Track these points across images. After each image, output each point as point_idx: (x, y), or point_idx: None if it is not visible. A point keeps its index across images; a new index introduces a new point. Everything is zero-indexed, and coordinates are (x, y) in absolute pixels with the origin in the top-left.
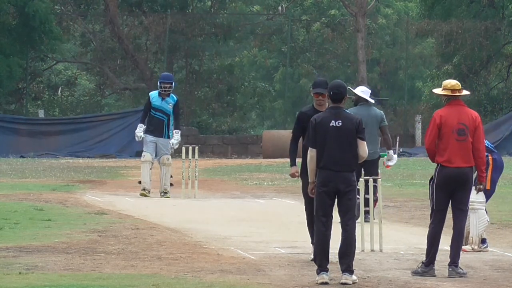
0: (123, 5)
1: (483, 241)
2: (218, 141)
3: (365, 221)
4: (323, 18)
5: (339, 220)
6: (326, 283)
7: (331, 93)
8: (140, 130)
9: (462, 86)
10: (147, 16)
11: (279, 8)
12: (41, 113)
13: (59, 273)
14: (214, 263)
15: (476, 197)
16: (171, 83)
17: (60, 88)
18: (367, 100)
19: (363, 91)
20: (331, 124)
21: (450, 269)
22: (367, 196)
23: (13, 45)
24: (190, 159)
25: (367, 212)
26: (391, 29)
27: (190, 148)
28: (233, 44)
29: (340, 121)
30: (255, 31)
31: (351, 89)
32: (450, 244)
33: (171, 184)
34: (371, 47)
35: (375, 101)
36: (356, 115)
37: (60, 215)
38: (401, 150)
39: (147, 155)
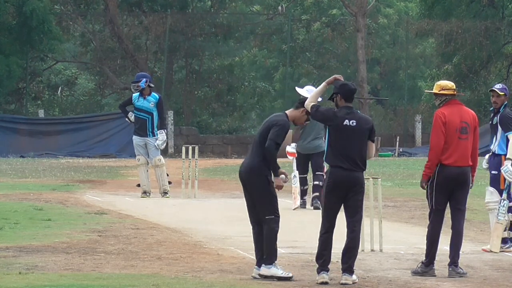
0: (123, 5)
1: (504, 241)
2: (218, 141)
3: (313, 206)
4: (323, 18)
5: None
6: (326, 283)
7: (351, 92)
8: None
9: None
10: (147, 16)
11: (279, 8)
12: (41, 113)
13: (59, 273)
14: (214, 263)
15: (491, 197)
16: (138, 81)
17: (60, 88)
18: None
19: (308, 90)
20: (344, 123)
21: (450, 269)
22: (315, 182)
23: (13, 45)
24: (190, 159)
25: (316, 198)
26: (392, 29)
27: (190, 148)
28: (233, 44)
29: (354, 121)
30: (255, 31)
31: (298, 89)
32: (449, 244)
33: (169, 182)
34: (371, 47)
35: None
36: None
37: (60, 215)
38: (401, 150)
39: (141, 158)
